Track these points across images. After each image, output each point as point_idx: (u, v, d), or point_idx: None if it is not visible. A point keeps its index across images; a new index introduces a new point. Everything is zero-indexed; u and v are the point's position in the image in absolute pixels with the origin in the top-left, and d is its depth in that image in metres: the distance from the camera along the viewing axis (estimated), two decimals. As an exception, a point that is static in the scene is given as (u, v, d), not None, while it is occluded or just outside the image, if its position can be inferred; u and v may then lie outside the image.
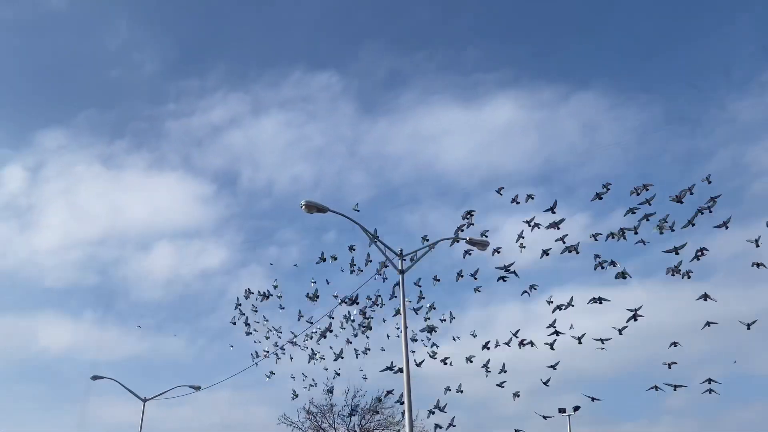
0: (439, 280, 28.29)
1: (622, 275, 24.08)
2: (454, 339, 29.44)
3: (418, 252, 25.34)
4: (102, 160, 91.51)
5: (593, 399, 25.51)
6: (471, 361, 27.88)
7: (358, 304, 31.82)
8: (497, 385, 27.54)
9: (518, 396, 26.02)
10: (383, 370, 30.55)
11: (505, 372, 27.43)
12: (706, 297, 22.37)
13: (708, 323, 23.59)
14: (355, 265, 30.07)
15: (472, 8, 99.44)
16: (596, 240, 24.87)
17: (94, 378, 43.06)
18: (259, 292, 35.91)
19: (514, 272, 26.66)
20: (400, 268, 24.79)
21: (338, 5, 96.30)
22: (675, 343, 24.06)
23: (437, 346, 29.80)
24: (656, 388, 24.56)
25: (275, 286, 35.56)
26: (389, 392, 37.78)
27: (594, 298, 24.50)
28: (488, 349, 27.64)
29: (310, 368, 34.48)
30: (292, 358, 35.11)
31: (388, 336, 31.64)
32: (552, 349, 26.29)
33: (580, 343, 24.69)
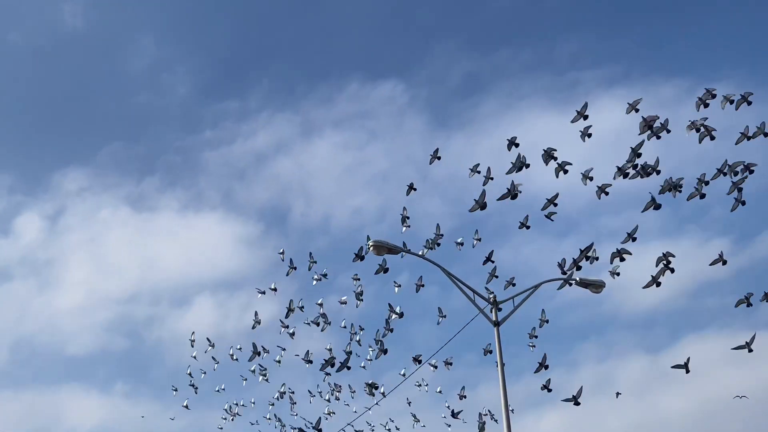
0: (536, 329, 22.82)
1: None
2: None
3: (515, 298, 20.08)
4: (130, 202, 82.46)
5: (684, 365, 20.86)
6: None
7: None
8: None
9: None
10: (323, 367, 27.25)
11: None
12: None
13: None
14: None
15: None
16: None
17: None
18: (208, 339, 31.25)
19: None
20: (494, 319, 19.70)
21: (399, 3, 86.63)
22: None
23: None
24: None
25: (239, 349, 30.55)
26: None
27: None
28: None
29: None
30: None
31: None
32: None
33: (590, 179, 21.22)
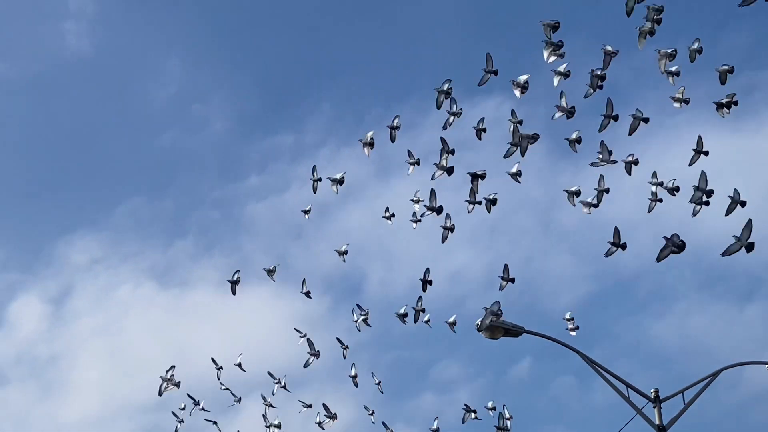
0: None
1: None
2: None
3: (685, 393, 14.98)
4: (156, 275, 65.12)
5: None
6: None
7: None
8: None
9: None
10: None
11: None
12: None
13: None
14: None
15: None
16: None
17: None
18: None
19: None
20: (657, 423, 14.64)
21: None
22: None
23: None
24: None
25: None
26: None
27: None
28: None
29: None
30: None
31: None
32: None
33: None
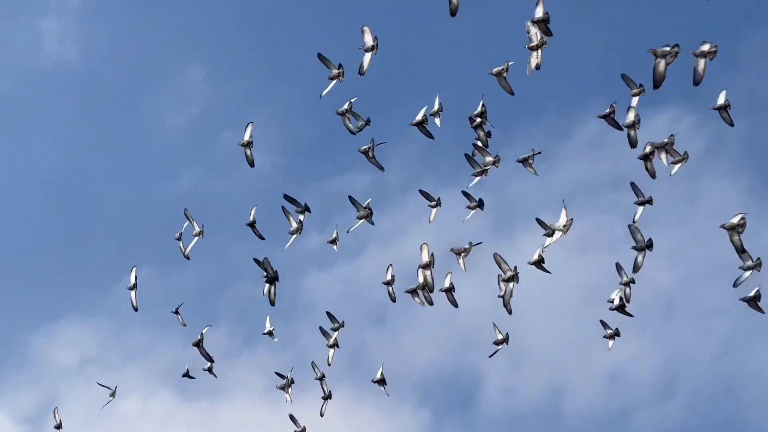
0: None
1: None
2: None
3: None
4: (175, 382, 21.08)
5: None
6: None
7: None
8: None
9: None
10: None
11: None
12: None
13: None
14: None
15: None
16: None
17: None
18: None
19: None
20: None
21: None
22: None
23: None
24: None
25: None
26: None
27: None
28: None
29: None
30: None
31: None
32: None
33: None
